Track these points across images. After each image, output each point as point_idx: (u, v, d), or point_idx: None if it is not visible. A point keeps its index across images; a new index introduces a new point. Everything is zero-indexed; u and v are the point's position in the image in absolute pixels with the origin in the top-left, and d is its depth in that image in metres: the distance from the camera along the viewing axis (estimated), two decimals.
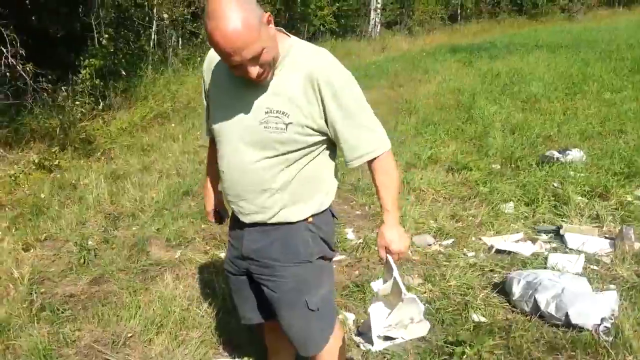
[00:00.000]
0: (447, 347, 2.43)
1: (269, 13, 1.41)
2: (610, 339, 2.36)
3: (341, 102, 1.50)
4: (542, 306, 2.55)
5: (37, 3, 7.53)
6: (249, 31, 1.32)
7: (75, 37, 8.69)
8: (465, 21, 25.46)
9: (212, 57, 1.64)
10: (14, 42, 6.02)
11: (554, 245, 3.44)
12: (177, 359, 2.49)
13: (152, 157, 5.89)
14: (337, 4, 18.99)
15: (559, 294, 2.53)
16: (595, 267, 3.11)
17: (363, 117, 1.56)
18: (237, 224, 1.72)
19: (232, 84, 1.55)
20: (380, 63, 13.00)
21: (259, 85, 1.50)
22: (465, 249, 3.48)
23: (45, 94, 6.70)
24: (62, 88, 6.89)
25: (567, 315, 2.46)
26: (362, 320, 2.72)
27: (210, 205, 2.01)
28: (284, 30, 1.56)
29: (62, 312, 2.91)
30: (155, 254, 3.60)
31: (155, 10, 10.39)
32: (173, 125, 7.32)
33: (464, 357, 2.28)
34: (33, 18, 8.09)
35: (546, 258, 3.19)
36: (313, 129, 1.52)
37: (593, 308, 2.45)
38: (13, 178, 5.05)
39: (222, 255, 3.52)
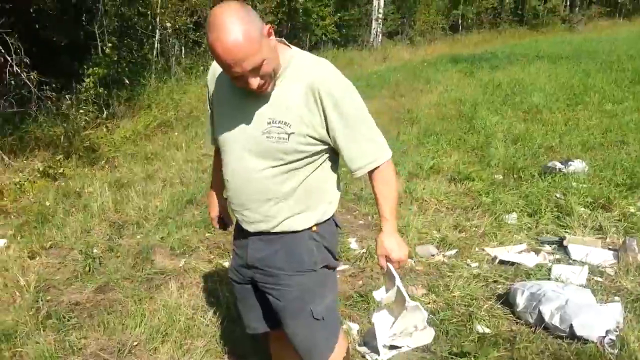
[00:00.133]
0: (451, 358, 2.44)
1: (270, 25, 1.45)
2: (616, 351, 2.37)
3: (342, 111, 1.52)
4: (547, 317, 2.56)
5: (42, 12, 7.59)
6: (249, 43, 1.35)
7: (79, 45, 8.77)
8: (466, 31, 25.63)
9: (216, 68, 1.67)
10: (18, 51, 6.07)
11: (557, 256, 3.46)
12: None
13: (156, 166, 5.91)
14: (339, 14, 19.12)
15: (563, 306, 2.55)
16: (599, 279, 3.13)
17: (364, 127, 1.58)
18: (241, 233, 1.74)
19: (235, 95, 1.58)
20: (382, 73, 13.06)
21: (261, 96, 1.52)
22: (468, 260, 3.49)
23: (50, 102, 6.76)
24: (66, 96, 6.95)
25: (571, 326, 2.47)
26: (366, 331, 2.73)
27: (214, 211, 2.03)
28: (285, 42, 1.59)
29: (68, 320, 2.92)
30: (159, 262, 3.61)
31: (158, 20, 10.47)
32: (176, 133, 7.35)
33: None
34: (37, 27, 8.16)
35: (550, 269, 3.20)
36: (315, 139, 1.54)
37: (597, 320, 2.46)
38: (18, 186, 5.08)
39: (226, 264, 3.54)
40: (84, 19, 9.10)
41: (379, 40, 20.33)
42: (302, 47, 1.61)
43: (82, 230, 4.14)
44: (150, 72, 9.80)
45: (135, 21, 10.13)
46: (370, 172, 1.63)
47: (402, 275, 1.73)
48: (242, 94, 1.53)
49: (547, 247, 3.58)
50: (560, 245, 3.55)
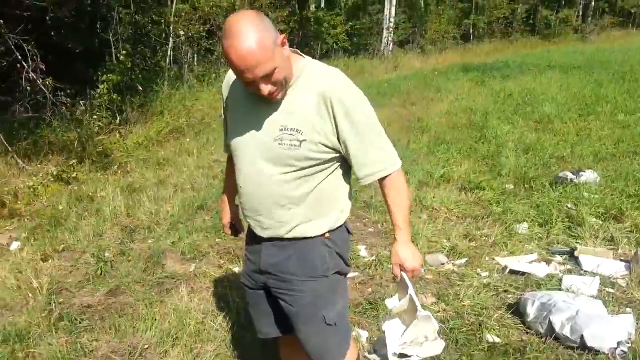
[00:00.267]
0: None
1: (284, 35, 1.49)
2: None
3: (353, 120, 1.54)
4: (557, 328, 2.54)
5: (58, 20, 7.71)
6: (262, 51, 1.38)
7: (94, 53, 8.89)
8: (478, 41, 25.64)
9: (231, 75, 1.70)
10: (35, 58, 6.17)
11: (568, 267, 3.44)
12: None
13: (168, 171, 5.97)
14: (351, 23, 19.23)
15: (574, 316, 2.53)
16: (610, 290, 3.10)
17: (374, 136, 1.60)
18: (254, 239, 1.76)
19: (248, 102, 1.61)
20: (393, 81, 13.09)
21: (274, 103, 1.55)
22: (479, 269, 3.48)
23: (64, 108, 6.86)
24: (81, 102, 7.05)
25: (582, 337, 2.45)
26: (375, 338, 2.73)
27: (226, 218, 2.05)
28: (299, 52, 1.62)
29: (80, 323, 2.95)
30: (170, 267, 3.64)
31: (172, 28, 10.60)
32: (188, 140, 7.42)
33: None
34: (53, 34, 8.28)
35: (561, 280, 3.18)
36: (327, 146, 1.57)
37: (609, 331, 2.44)
38: (32, 190, 5.14)
39: (237, 269, 3.56)
40: (99, 27, 9.24)
41: (390, 49, 20.39)
42: (313, 56, 1.64)
43: (94, 234, 4.18)
44: (163, 79, 9.91)
45: (149, 29, 10.26)
46: (382, 181, 1.65)
47: (413, 283, 1.74)
48: (256, 101, 1.56)
49: (558, 258, 3.56)
50: (572, 256, 3.53)
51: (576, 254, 3.48)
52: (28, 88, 6.35)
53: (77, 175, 5.68)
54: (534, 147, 6.17)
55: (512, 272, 3.38)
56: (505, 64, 15.08)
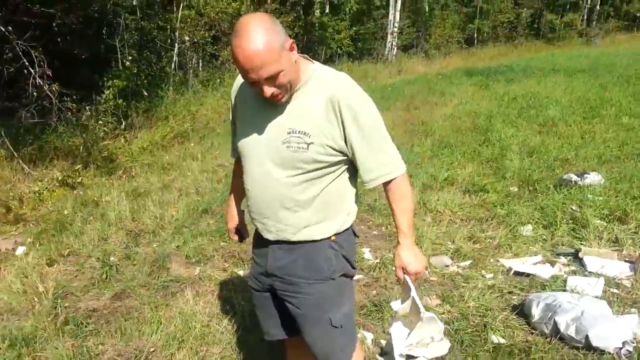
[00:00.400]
0: None
1: (293, 40, 1.50)
2: None
3: (360, 123, 1.56)
4: (562, 328, 2.54)
5: (65, 26, 7.78)
6: (268, 53, 1.40)
7: (99, 58, 8.96)
8: (482, 45, 25.64)
9: (241, 79, 1.72)
10: (42, 64, 6.21)
11: (572, 268, 3.43)
12: None
13: (172, 176, 6.00)
14: (355, 28, 19.27)
15: (579, 317, 2.53)
16: (615, 291, 3.10)
17: (380, 140, 1.62)
18: (261, 242, 1.77)
19: (257, 105, 1.62)
20: (397, 85, 13.11)
21: (282, 106, 1.57)
22: (483, 271, 3.48)
23: (70, 113, 6.90)
24: (86, 108, 7.10)
25: (587, 337, 2.45)
26: (381, 340, 2.74)
27: (231, 222, 2.06)
28: (308, 57, 1.63)
29: (86, 326, 2.96)
30: (175, 270, 3.65)
31: (177, 33, 10.67)
32: (192, 144, 7.45)
33: None
34: (59, 40, 8.36)
35: (565, 281, 3.18)
36: (334, 149, 1.58)
37: (614, 331, 2.44)
38: (37, 194, 5.18)
39: (241, 272, 3.57)
40: (104, 32, 9.31)
41: (394, 53, 20.43)
42: (317, 60, 1.66)
43: (99, 239, 4.21)
44: (168, 84, 9.98)
45: (155, 35, 10.32)
46: (386, 185, 1.66)
47: (417, 285, 1.75)
48: (264, 104, 1.58)
49: (563, 259, 3.56)
50: (576, 257, 3.52)
51: (580, 255, 3.48)
52: (34, 94, 6.40)
53: (82, 180, 5.72)
54: (538, 149, 6.17)
55: (517, 273, 3.38)
56: (510, 68, 15.07)
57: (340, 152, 1.59)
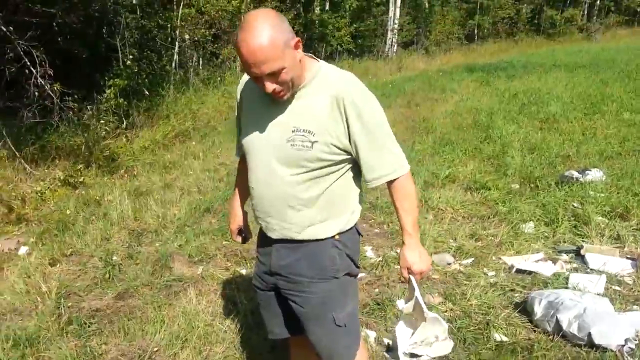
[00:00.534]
0: None
1: (298, 39, 1.50)
2: None
3: (364, 122, 1.56)
4: (564, 326, 2.55)
5: (65, 25, 7.77)
6: (272, 49, 1.40)
7: (100, 57, 8.96)
8: (482, 41, 25.60)
9: (246, 77, 1.73)
10: (43, 63, 6.21)
11: (574, 265, 3.43)
12: None
13: (174, 175, 6.01)
14: (355, 25, 19.24)
15: (581, 314, 2.53)
16: (617, 288, 3.10)
17: (384, 139, 1.62)
18: (265, 240, 1.77)
19: (262, 103, 1.63)
20: (397, 82, 13.10)
21: (286, 105, 1.58)
22: (485, 268, 3.48)
23: (71, 113, 6.90)
24: (88, 107, 7.12)
25: (589, 335, 2.45)
26: (384, 338, 2.74)
27: (234, 223, 2.05)
28: (314, 56, 1.64)
29: (89, 326, 2.97)
30: (178, 269, 3.66)
31: (177, 32, 10.66)
32: (194, 143, 7.46)
33: None
34: (60, 40, 8.35)
35: (567, 278, 3.18)
36: (338, 148, 1.58)
37: (616, 328, 2.44)
38: (39, 194, 5.19)
39: (244, 271, 3.58)
40: (105, 32, 9.31)
41: (394, 50, 20.40)
42: (317, 57, 1.66)
43: (102, 238, 4.22)
44: (169, 83, 9.98)
45: (155, 34, 10.32)
46: (390, 185, 1.66)
47: (420, 285, 1.76)
48: (269, 102, 1.59)
49: (565, 256, 3.56)
50: (578, 254, 3.53)
51: (582, 252, 3.48)
52: (36, 93, 6.40)
53: (84, 179, 5.73)
54: (539, 146, 6.17)
55: (519, 271, 3.38)
56: (510, 64, 15.05)
57: (345, 150, 1.60)
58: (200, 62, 12.06)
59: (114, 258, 3.83)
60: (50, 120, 6.73)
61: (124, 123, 7.62)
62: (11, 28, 6.12)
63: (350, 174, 1.68)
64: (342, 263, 1.71)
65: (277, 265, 1.73)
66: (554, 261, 3.49)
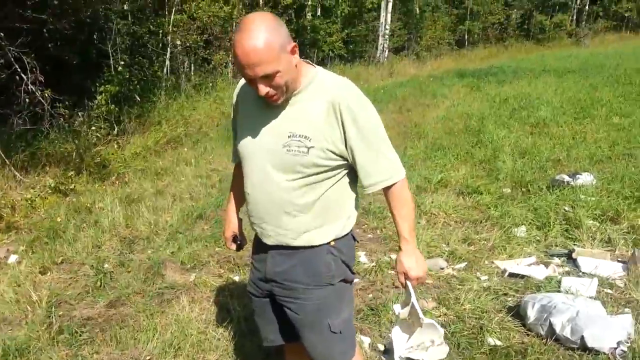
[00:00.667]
0: None
1: (295, 44, 1.50)
2: None
3: (360, 127, 1.56)
4: (558, 329, 2.56)
5: (56, 31, 7.74)
6: (267, 51, 1.41)
7: (91, 64, 8.92)
8: (473, 46, 25.77)
9: (241, 83, 1.73)
10: (34, 70, 6.18)
11: (566, 268, 3.45)
12: None
13: (166, 181, 5.98)
14: (347, 31, 19.30)
15: (574, 317, 2.54)
16: (609, 291, 3.12)
17: (380, 145, 1.62)
18: (260, 247, 1.76)
19: (258, 108, 1.62)
20: (389, 88, 13.14)
21: (282, 110, 1.58)
22: (478, 273, 3.49)
23: (62, 119, 6.86)
24: (79, 113, 7.09)
25: (582, 338, 2.46)
26: (378, 344, 2.74)
27: (229, 231, 2.03)
28: (310, 62, 1.64)
29: (81, 335, 2.94)
30: (170, 277, 3.64)
31: (169, 38, 10.65)
32: (186, 149, 7.44)
33: None
34: (50, 46, 8.32)
35: (559, 282, 3.19)
36: (334, 153, 1.58)
37: (608, 331, 2.46)
38: (29, 202, 5.14)
39: (237, 278, 3.56)
40: (96, 37, 9.28)
41: (386, 55, 20.48)
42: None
43: (93, 246, 4.18)
44: (160, 89, 9.96)
45: (147, 39, 10.31)
46: (386, 191, 1.66)
47: (416, 289, 1.76)
48: (265, 107, 1.59)
49: (557, 260, 3.58)
50: (570, 258, 3.54)
51: (574, 255, 3.50)
52: (26, 100, 6.35)
53: (74, 186, 5.68)
54: (530, 150, 6.21)
55: (511, 275, 3.39)
56: (500, 69, 15.16)
57: (341, 156, 1.59)
58: (192, 68, 12.05)
59: (106, 266, 3.80)
60: (41, 127, 6.69)
61: (115, 129, 7.58)
62: (1, 34, 6.08)
63: (346, 180, 1.68)
64: (337, 269, 1.71)
65: (272, 271, 1.73)
66: (546, 265, 3.50)
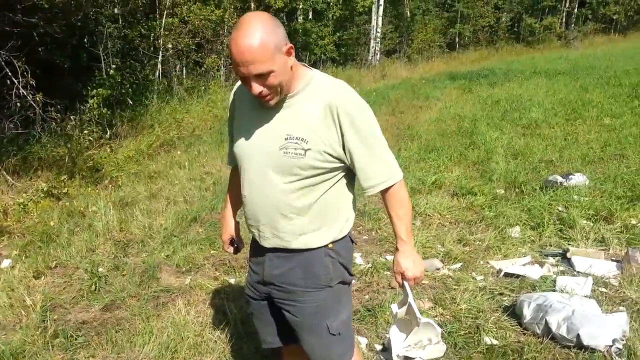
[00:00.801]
0: None
1: (291, 45, 1.50)
2: (623, 359, 2.38)
3: (358, 129, 1.56)
4: (553, 328, 2.57)
5: (46, 35, 7.70)
6: (261, 50, 1.41)
7: (83, 67, 8.88)
8: (463, 49, 25.92)
9: (237, 85, 1.73)
10: (25, 74, 6.14)
11: (561, 268, 3.48)
12: None
13: (159, 185, 5.95)
14: (338, 34, 19.36)
15: (570, 316, 2.56)
16: (603, 290, 3.14)
17: (378, 147, 1.62)
18: (258, 250, 1.76)
19: (255, 110, 1.62)
20: (381, 90, 13.19)
21: (279, 112, 1.57)
22: (473, 273, 3.51)
23: (54, 123, 6.82)
24: (71, 117, 7.04)
25: (578, 336, 2.48)
26: (375, 344, 2.74)
27: (226, 234, 2.02)
28: (307, 65, 1.64)
29: (76, 339, 2.92)
30: (165, 280, 3.62)
31: (160, 41, 10.63)
32: (179, 152, 7.41)
33: None
34: (40, 50, 8.27)
35: (554, 281, 3.22)
36: (332, 156, 1.58)
37: (604, 329, 2.48)
38: (22, 206, 5.08)
39: (232, 280, 3.56)
40: (87, 41, 9.24)
41: (377, 58, 20.56)
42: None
43: (87, 249, 4.15)
44: (152, 92, 9.93)
45: (138, 43, 10.28)
46: (384, 193, 1.67)
47: (413, 289, 1.77)
48: (262, 109, 1.58)
49: (551, 260, 3.60)
50: (564, 258, 3.57)
51: (568, 255, 3.52)
52: (18, 104, 6.31)
53: (67, 190, 5.63)
54: (522, 152, 6.25)
55: (507, 274, 3.41)
56: (491, 71, 15.25)
57: (338, 159, 1.59)
58: (184, 71, 12.03)
59: (100, 269, 3.77)
60: (33, 131, 6.65)
61: (108, 133, 7.54)
62: None
63: (343, 182, 1.68)
64: (335, 272, 1.71)
65: (270, 274, 1.72)
66: (541, 264, 3.52)
